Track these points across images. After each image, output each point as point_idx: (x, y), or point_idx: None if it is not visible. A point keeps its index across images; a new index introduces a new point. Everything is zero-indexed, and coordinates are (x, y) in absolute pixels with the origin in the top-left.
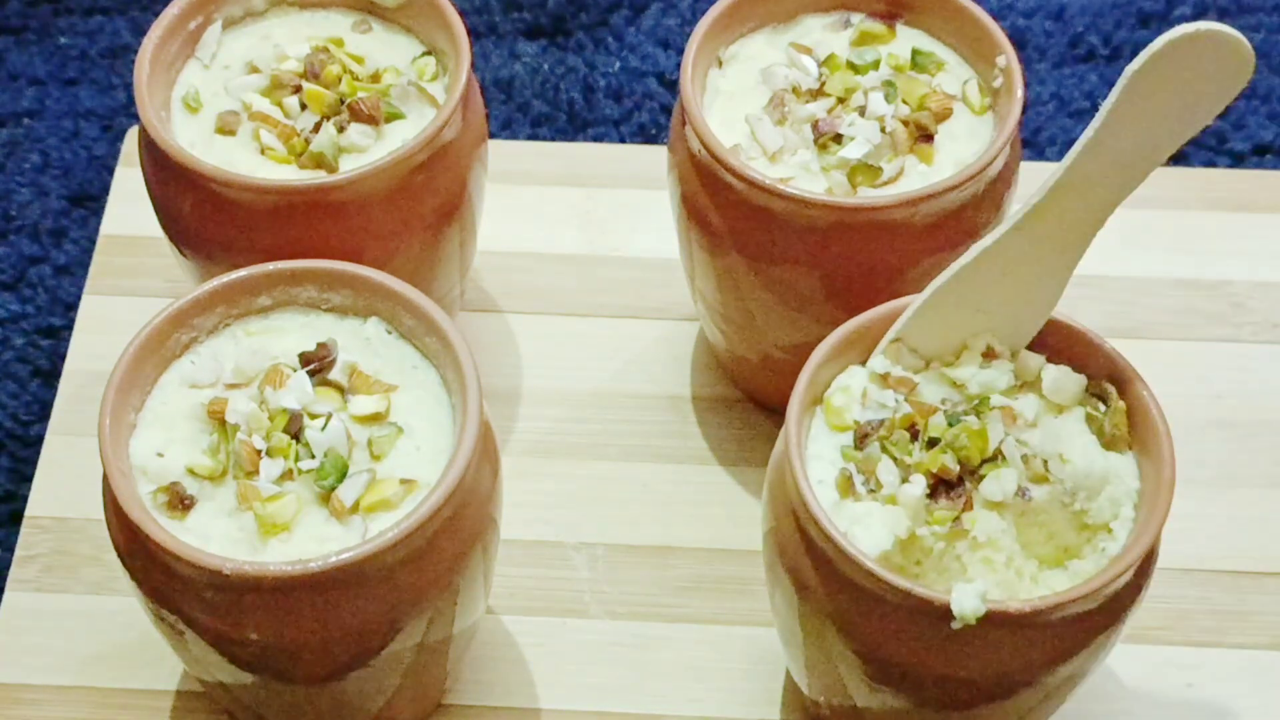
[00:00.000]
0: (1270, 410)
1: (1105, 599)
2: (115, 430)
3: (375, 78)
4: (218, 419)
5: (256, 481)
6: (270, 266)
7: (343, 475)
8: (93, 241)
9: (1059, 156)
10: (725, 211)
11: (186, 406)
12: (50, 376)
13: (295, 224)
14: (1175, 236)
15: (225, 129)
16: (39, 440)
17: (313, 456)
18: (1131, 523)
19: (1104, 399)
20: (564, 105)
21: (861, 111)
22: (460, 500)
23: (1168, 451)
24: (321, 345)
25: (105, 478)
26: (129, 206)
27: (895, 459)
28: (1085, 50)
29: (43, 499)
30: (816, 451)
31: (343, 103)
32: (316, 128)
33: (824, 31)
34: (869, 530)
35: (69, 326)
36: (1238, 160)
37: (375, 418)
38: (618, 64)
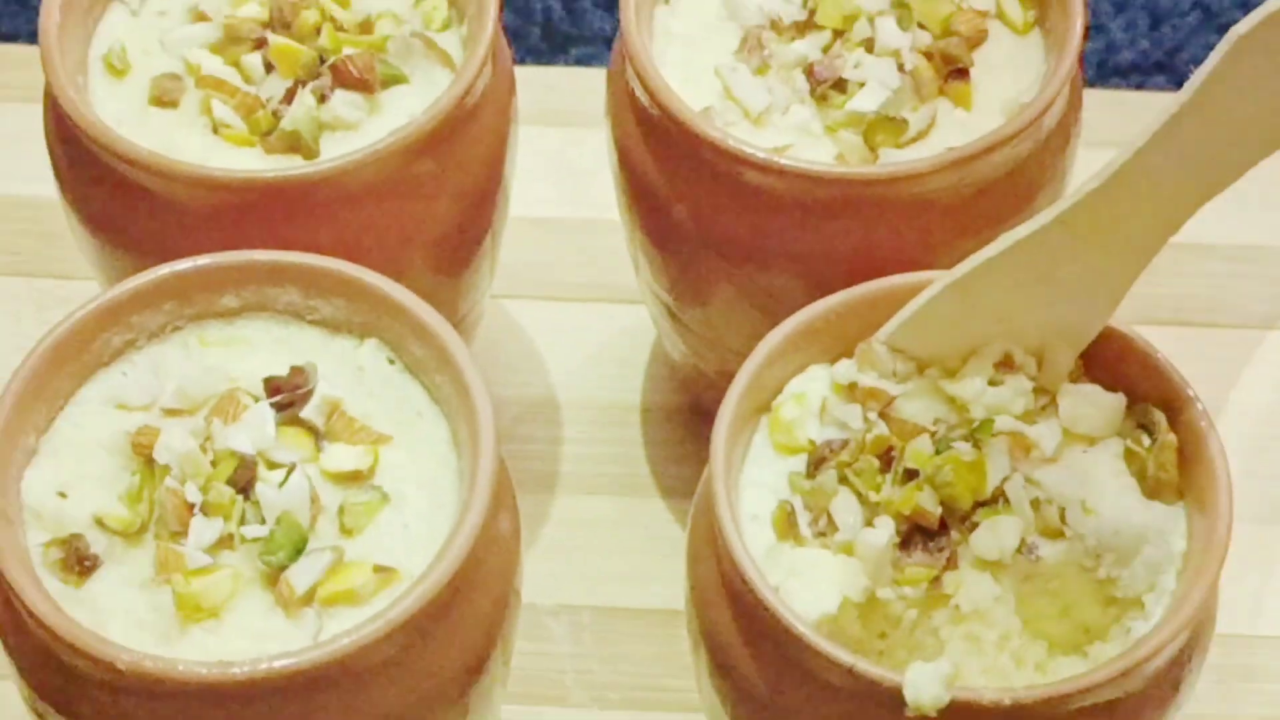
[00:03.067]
0: None
1: (1120, 696)
2: (5, 455)
3: (366, 27)
4: (144, 455)
5: (183, 546)
6: (242, 256)
7: (298, 550)
8: None
9: (1133, 83)
10: (698, 199)
11: (107, 433)
12: None
13: (260, 230)
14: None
15: (163, 99)
16: None
17: (262, 521)
18: (1170, 596)
19: (1149, 430)
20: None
21: (869, 46)
22: (451, 598)
23: (1225, 502)
24: (297, 370)
25: None
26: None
27: (858, 493)
28: None
29: None
30: (755, 477)
31: (323, 62)
32: (288, 97)
33: None
34: (811, 586)
35: None
36: None
37: (355, 477)
38: None
